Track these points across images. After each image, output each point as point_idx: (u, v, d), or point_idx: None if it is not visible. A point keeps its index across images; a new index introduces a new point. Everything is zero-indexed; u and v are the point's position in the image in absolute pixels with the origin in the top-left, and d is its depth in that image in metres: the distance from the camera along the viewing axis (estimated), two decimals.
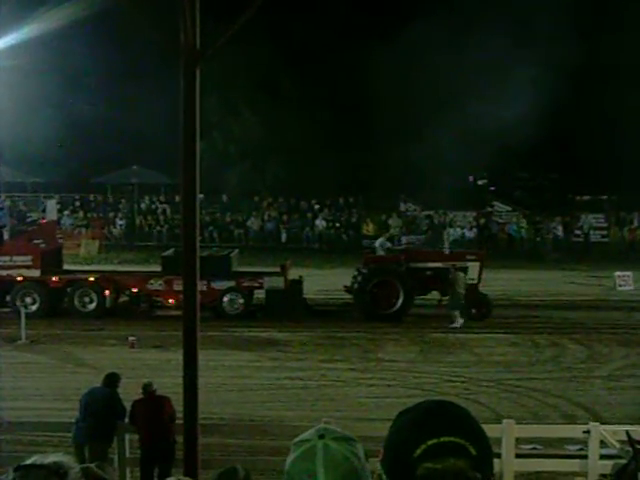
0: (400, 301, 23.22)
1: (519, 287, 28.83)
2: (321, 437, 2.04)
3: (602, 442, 10.39)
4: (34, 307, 23.25)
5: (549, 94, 32.33)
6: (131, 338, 20.03)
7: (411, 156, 35.36)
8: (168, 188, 43.17)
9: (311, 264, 32.05)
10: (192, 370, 9.34)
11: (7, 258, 23.94)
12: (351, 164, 40.31)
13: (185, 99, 9.11)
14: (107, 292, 23.62)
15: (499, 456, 10.11)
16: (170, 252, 25.34)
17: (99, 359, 18.39)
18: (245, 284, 23.91)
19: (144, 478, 10.75)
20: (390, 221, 39.25)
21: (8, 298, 23.54)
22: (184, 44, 8.89)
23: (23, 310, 21.17)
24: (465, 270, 23.51)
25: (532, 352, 20.02)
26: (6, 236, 25.42)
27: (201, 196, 16.38)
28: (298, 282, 24.20)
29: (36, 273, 23.87)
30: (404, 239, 34.78)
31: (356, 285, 23.87)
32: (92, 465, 3.60)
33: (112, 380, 11.27)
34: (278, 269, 24.40)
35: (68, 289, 23.84)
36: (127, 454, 11.01)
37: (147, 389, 10.97)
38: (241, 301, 23.68)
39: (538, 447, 12.20)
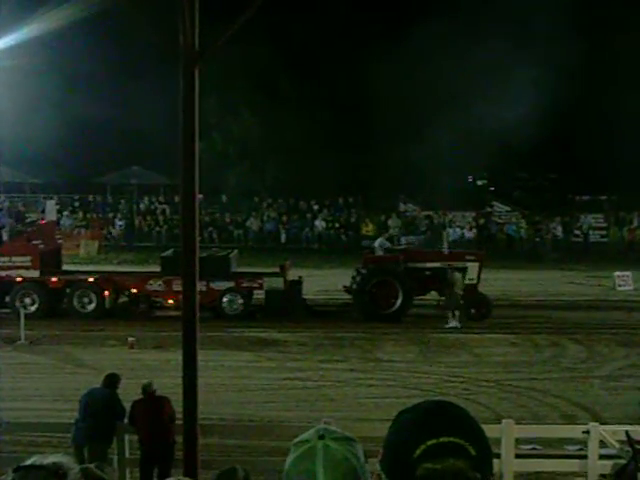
0: (399, 301, 23.23)
1: (518, 287, 28.84)
2: (321, 437, 2.04)
3: (602, 442, 10.39)
4: (33, 308, 23.23)
5: (548, 95, 32.36)
6: (130, 339, 20.03)
7: (410, 156, 35.41)
8: (167, 188, 43.24)
9: (310, 264, 32.06)
10: (191, 370, 9.34)
11: (6, 259, 23.93)
12: (350, 164, 40.36)
13: (184, 99, 9.11)
14: (106, 293, 23.60)
15: (499, 456, 10.10)
16: (169, 252, 25.33)
17: (98, 360, 18.37)
18: (244, 284, 23.90)
19: (144, 478, 10.74)
20: (389, 221, 39.29)
21: (7, 299, 23.52)
22: (183, 45, 8.89)
23: (22, 311, 21.14)
24: (464, 270, 23.53)
25: (532, 352, 20.01)
26: (5, 237, 25.44)
27: (200, 196, 16.39)
28: (297, 282, 24.21)
29: (35, 274, 23.86)
30: (403, 239, 34.85)
31: (355, 285, 23.88)
32: (92, 466, 3.60)
33: (112, 381, 11.26)
34: (277, 269, 24.40)
35: (67, 290, 23.81)
36: (127, 454, 11.00)
37: (147, 389, 10.96)
38: (240, 301, 23.68)
39: (538, 447, 12.19)
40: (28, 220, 31.48)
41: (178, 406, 10.13)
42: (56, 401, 15.17)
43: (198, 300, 9.59)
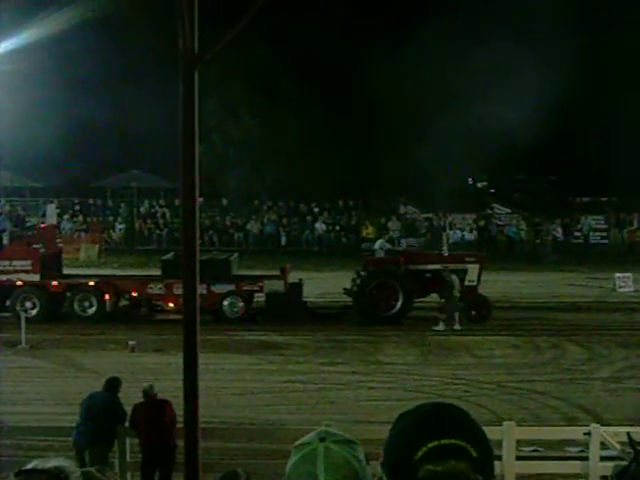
0: (399, 303, 23.22)
1: (519, 289, 28.84)
2: (322, 440, 2.04)
3: (603, 444, 10.38)
4: (34, 312, 23.20)
5: (549, 96, 32.33)
6: (131, 342, 20.02)
7: (410, 159, 35.38)
8: (168, 192, 43.25)
9: (311, 267, 32.05)
10: (192, 374, 9.32)
11: (7, 263, 23.93)
12: (351, 167, 40.35)
13: (184, 103, 9.11)
14: (107, 296, 23.59)
15: (500, 458, 10.10)
16: (170, 256, 25.32)
17: (99, 363, 18.38)
18: (245, 287, 23.91)
19: None
20: (389, 224, 39.27)
21: (8, 303, 23.51)
22: (182, 48, 8.89)
23: (23, 315, 21.13)
24: (465, 272, 23.53)
25: (532, 354, 20.01)
26: (6, 241, 25.44)
27: (200, 200, 16.37)
28: (298, 285, 24.21)
29: (36, 277, 23.86)
30: (404, 242, 34.84)
31: (355, 288, 23.87)
32: (93, 469, 3.60)
33: (113, 384, 11.27)
34: (278, 272, 24.39)
35: (68, 293, 23.81)
36: (128, 458, 11.00)
37: (148, 393, 10.97)
38: (241, 304, 23.68)
39: (539, 449, 12.19)
40: (28, 224, 31.50)
41: (179, 409, 10.12)
42: (57, 405, 15.17)
43: (199, 303, 9.59)
